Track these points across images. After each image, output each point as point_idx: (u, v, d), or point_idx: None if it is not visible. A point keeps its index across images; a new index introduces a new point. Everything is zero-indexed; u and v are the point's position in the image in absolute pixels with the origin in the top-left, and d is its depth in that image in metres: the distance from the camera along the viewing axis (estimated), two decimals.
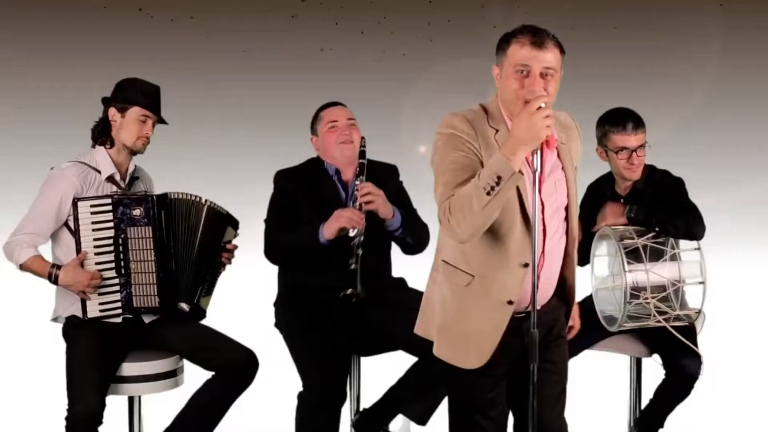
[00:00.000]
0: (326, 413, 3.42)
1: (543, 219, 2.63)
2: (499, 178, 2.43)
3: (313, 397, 3.43)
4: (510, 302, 2.61)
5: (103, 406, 3.22)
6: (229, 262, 3.61)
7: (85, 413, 3.19)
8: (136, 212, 3.38)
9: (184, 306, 3.48)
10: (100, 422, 3.23)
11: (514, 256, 2.60)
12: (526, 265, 2.59)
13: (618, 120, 3.59)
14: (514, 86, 2.56)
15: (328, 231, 3.45)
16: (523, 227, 2.59)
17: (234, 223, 3.62)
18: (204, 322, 3.57)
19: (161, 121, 3.56)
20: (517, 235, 2.59)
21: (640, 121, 3.60)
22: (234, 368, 3.43)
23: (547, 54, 2.55)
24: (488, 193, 2.43)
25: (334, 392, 3.42)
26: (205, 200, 3.51)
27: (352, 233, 3.43)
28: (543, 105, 2.45)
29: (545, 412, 2.74)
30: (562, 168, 2.69)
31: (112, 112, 3.49)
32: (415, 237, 3.65)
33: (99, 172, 3.47)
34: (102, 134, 3.50)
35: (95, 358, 3.29)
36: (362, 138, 3.61)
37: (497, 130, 2.60)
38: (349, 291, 3.39)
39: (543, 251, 2.65)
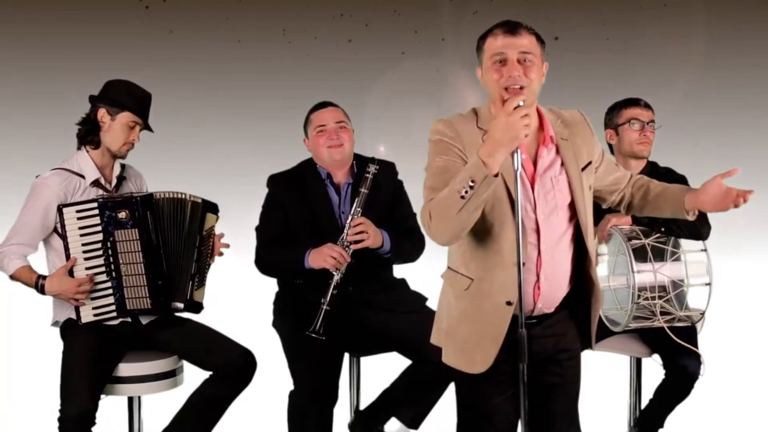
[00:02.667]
0: (316, 412, 3.41)
1: (536, 218, 2.57)
2: (473, 182, 2.39)
3: (303, 396, 3.43)
4: (509, 303, 2.56)
5: (95, 406, 3.21)
6: (221, 254, 3.56)
7: (77, 413, 3.18)
8: (122, 215, 3.36)
9: (178, 305, 3.47)
10: (93, 423, 3.21)
11: (509, 255, 2.54)
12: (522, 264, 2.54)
13: (630, 99, 3.80)
14: (495, 77, 2.54)
15: (313, 263, 3.48)
16: (515, 226, 2.53)
17: (213, 208, 3.56)
18: (202, 321, 3.56)
19: (148, 128, 3.51)
20: (510, 234, 2.54)
21: (650, 106, 3.79)
22: (232, 368, 3.42)
23: (522, 39, 2.54)
24: (462, 197, 2.40)
25: (324, 392, 3.42)
26: (189, 195, 3.48)
27: (333, 271, 3.47)
28: (521, 104, 2.39)
29: (560, 427, 2.70)
30: (562, 164, 2.61)
31: (102, 112, 3.43)
32: (403, 258, 3.67)
33: (83, 177, 3.44)
34: (89, 134, 3.45)
35: (90, 359, 3.28)
36: (372, 162, 3.56)
37: (485, 131, 2.54)
38: (312, 334, 3.42)
39: (540, 251, 2.56)
